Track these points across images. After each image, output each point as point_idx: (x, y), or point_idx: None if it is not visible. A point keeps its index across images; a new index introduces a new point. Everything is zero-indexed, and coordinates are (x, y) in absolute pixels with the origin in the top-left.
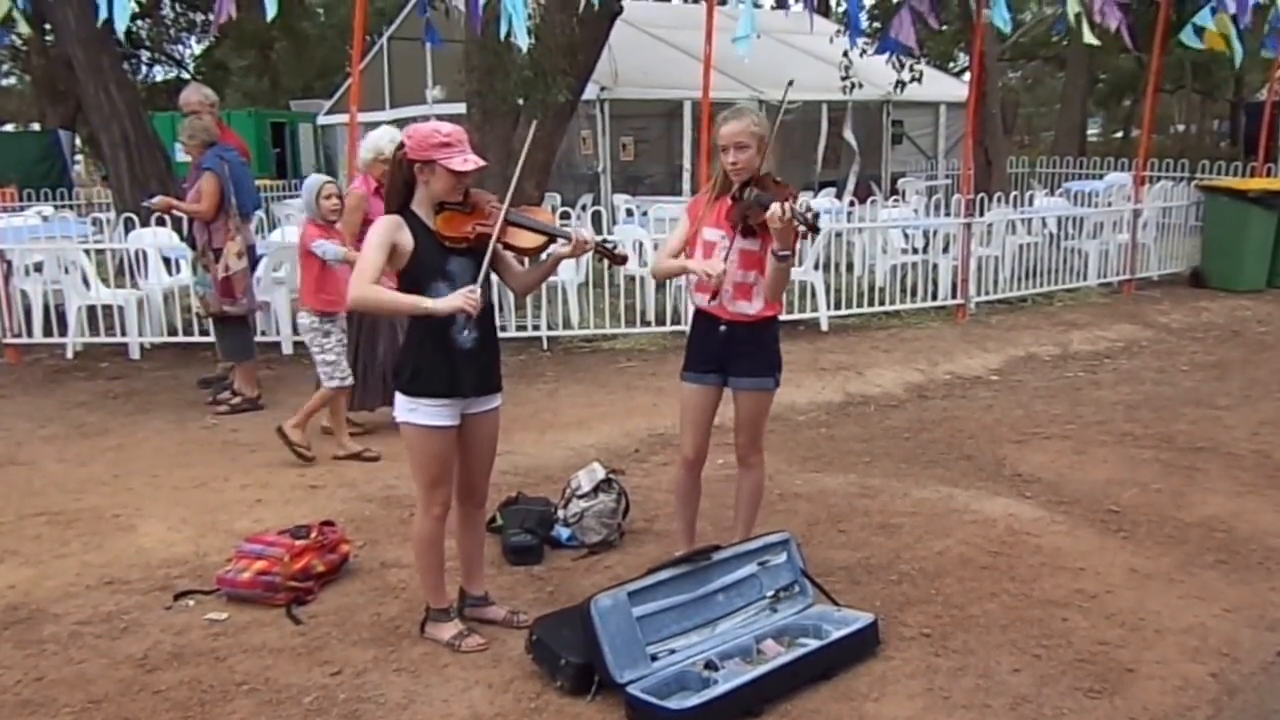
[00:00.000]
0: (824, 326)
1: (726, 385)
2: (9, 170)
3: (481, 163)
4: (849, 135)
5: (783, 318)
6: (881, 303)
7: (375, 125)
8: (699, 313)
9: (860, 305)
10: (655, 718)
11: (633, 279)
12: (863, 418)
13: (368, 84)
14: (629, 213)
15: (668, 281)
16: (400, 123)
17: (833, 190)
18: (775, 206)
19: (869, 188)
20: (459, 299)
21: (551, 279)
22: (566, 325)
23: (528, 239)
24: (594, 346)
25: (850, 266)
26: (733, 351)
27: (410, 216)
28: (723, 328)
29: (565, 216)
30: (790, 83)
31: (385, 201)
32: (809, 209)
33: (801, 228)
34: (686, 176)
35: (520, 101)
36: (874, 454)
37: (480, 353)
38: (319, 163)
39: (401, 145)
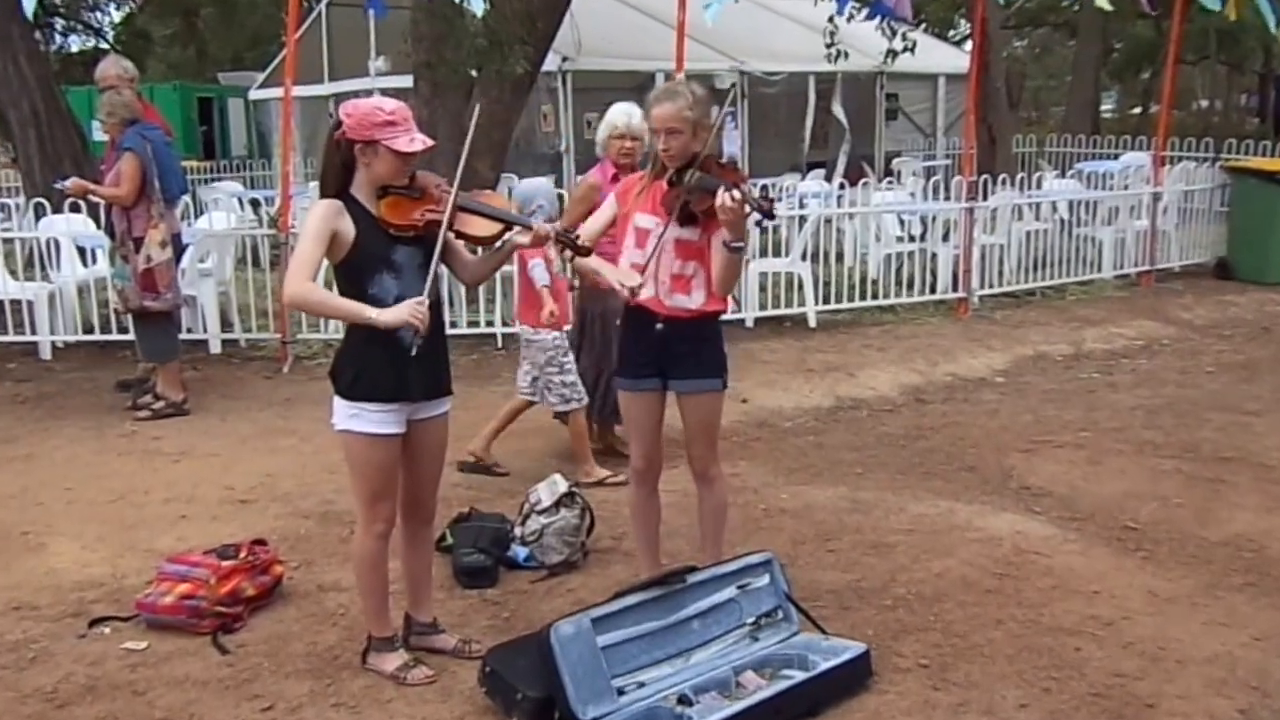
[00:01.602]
0: (812, 323)
1: (668, 389)
2: None
3: (429, 142)
4: (838, 111)
5: (767, 313)
6: (875, 296)
7: (313, 100)
8: (631, 309)
9: (852, 299)
10: None
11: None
12: (855, 424)
13: (304, 54)
14: None
15: None
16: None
17: (822, 172)
18: (722, 193)
19: (861, 169)
20: (406, 311)
21: (506, 268)
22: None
23: (481, 226)
24: None
25: (841, 256)
26: (672, 351)
27: (350, 202)
28: (660, 325)
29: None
30: (730, 91)
31: (321, 185)
32: (766, 196)
33: (755, 214)
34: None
35: (473, 74)
36: (867, 464)
37: (429, 352)
38: (251, 142)
39: (339, 124)
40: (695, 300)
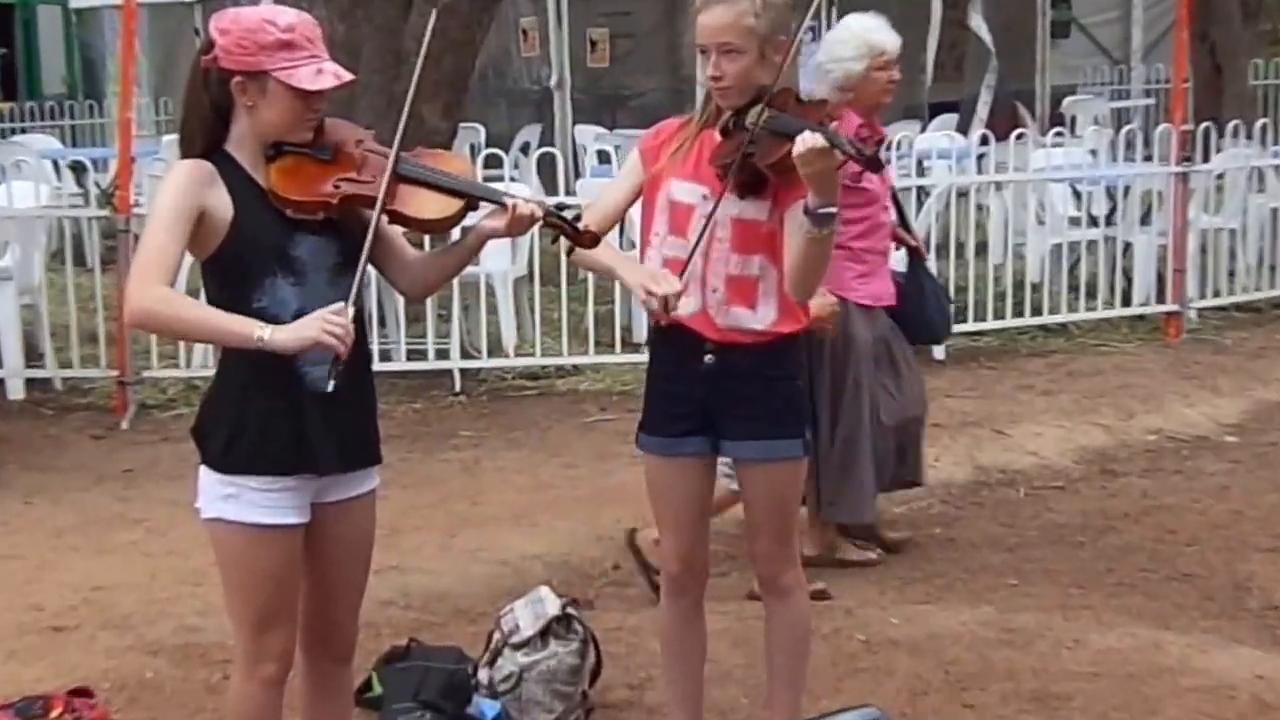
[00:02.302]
0: (938, 353)
1: (719, 453)
2: None
3: (347, 76)
4: (978, 24)
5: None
6: (1037, 311)
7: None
8: (662, 331)
9: (1000, 315)
10: None
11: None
12: (1006, 509)
13: None
14: (602, 156)
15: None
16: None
17: (952, 119)
18: (807, 134)
19: (1014, 113)
20: (315, 327)
21: (470, 270)
22: (495, 350)
23: (431, 204)
24: (541, 385)
25: (983, 249)
26: (727, 395)
27: (226, 165)
28: (708, 356)
29: (496, 172)
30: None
31: (182, 139)
32: (865, 136)
33: (853, 160)
34: (699, 96)
35: None
36: (1025, 572)
37: (346, 399)
38: (72, 75)
39: (209, 46)
40: (764, 317)
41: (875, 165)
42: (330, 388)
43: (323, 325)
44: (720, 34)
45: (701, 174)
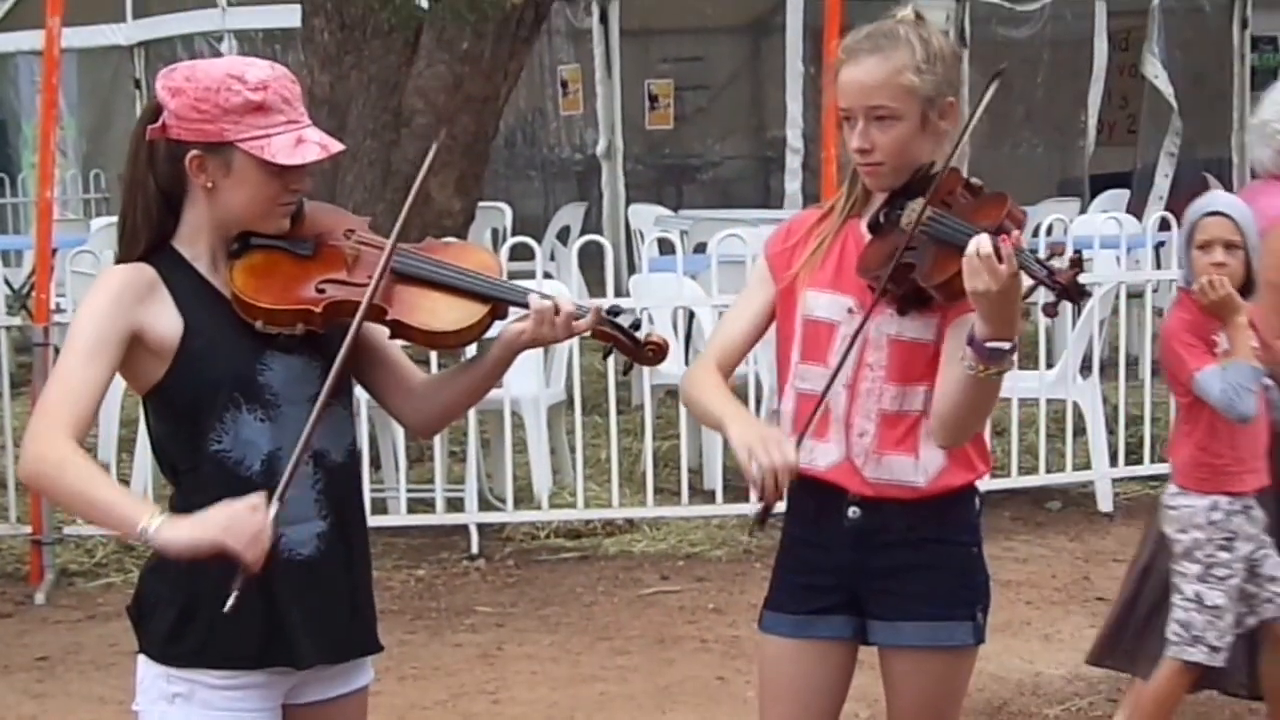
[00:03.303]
0: (1104, 503)
1: (865, 641)
2: None
3: (336, 146)
4: (1156, 74)
5: (1010, 484)
6: None
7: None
8: (798, 485)
9: None
10: None
11: (673, 394)
12: (1196, 713)
13: None
14: (664, 245)
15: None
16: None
17: (1123, 196)
18: (981, 240)
19: (1204, 188)
20: (217, 527)
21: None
22: (524, 500)
23: (443, 310)
24: (584, 546)
25: (1161, 367)
26: (877, 565)
27: (172, 267)
28: (854, 510)
29: (525, 265)
30: (998, 75)
31: (121, 231)
32: (1058, 249)
33: (1044, 286)
34: (793, 165)
35: (423, 4)
36: None
37: (330, 567)
38: None
39: (156, 111)
40: (929, 466)
41: (1075, 294)
42: (309, 548)
43: (227, 526)
44: (871, 94)
45: (845, 282)
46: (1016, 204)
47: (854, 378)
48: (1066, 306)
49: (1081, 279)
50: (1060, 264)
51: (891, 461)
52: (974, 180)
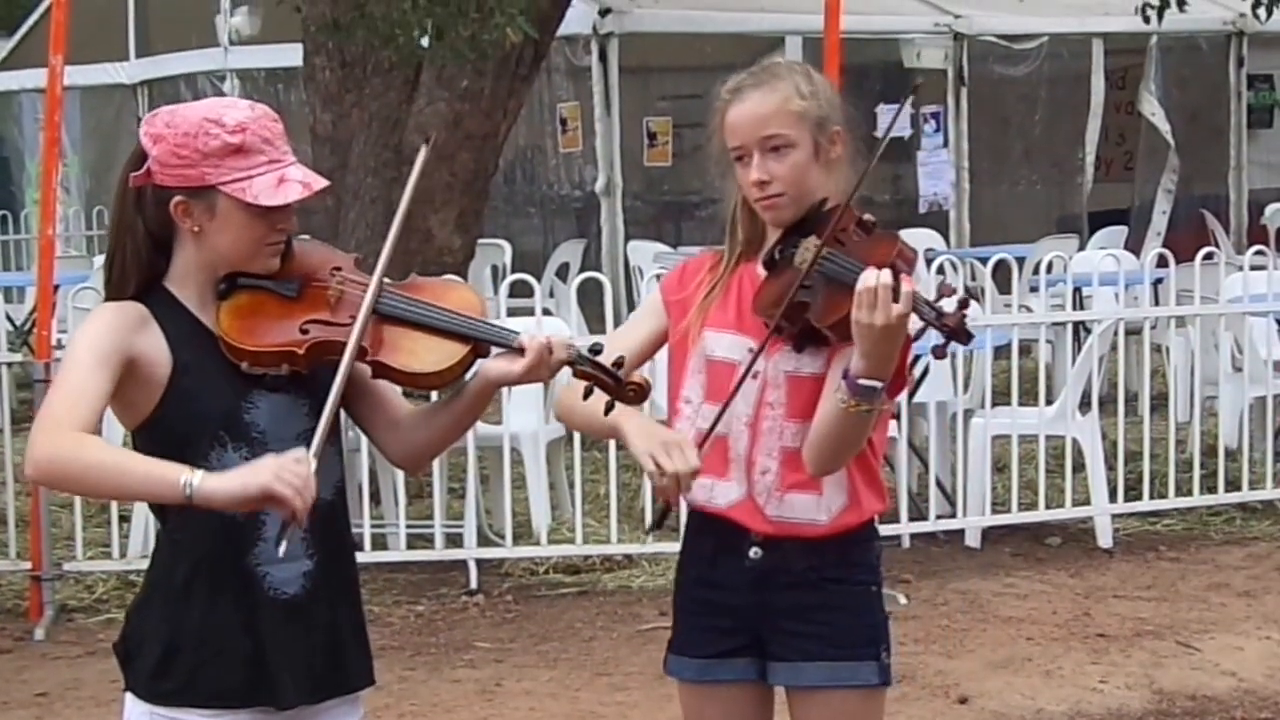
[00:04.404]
0: (1104, 540)
1: (769, 679)
2: None
3: (320, 183)
4: (1153, 111)
5: (1009, 519)
6: (1233, 485)
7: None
8: (697, 523)
9: (1185, 491)
10: None
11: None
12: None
13: (90, 11)
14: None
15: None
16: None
17: (1120, 233)
18: (869, 274)
19: (1201, 226)
20: (266, 474)
21: (490, 431)
22: (523, 536)
23: (425, 351)
24: (583, 582)
25: (1159, 403)
26: (778, 606)
27: (163, 305)
28: (755, 551)
29: (525, 302)
30: (910, 94)
31: (108, 272)
32: (946, 291)
33: (932, 328)
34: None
35: (423, 43)
36: None
37: (319, 602)
38: None
39: (143, 159)
40: (830, 504)
41: (963, 336)
42: (297, 584)
43: (277, 472)
44: (764, 124)
45: (746, 323)
46: (907, 243)
47: (755, 416)
48: (960, 348)
49: (1069, 318)
50: (949, 306)
51: (794, 500)
52: (867, 217)
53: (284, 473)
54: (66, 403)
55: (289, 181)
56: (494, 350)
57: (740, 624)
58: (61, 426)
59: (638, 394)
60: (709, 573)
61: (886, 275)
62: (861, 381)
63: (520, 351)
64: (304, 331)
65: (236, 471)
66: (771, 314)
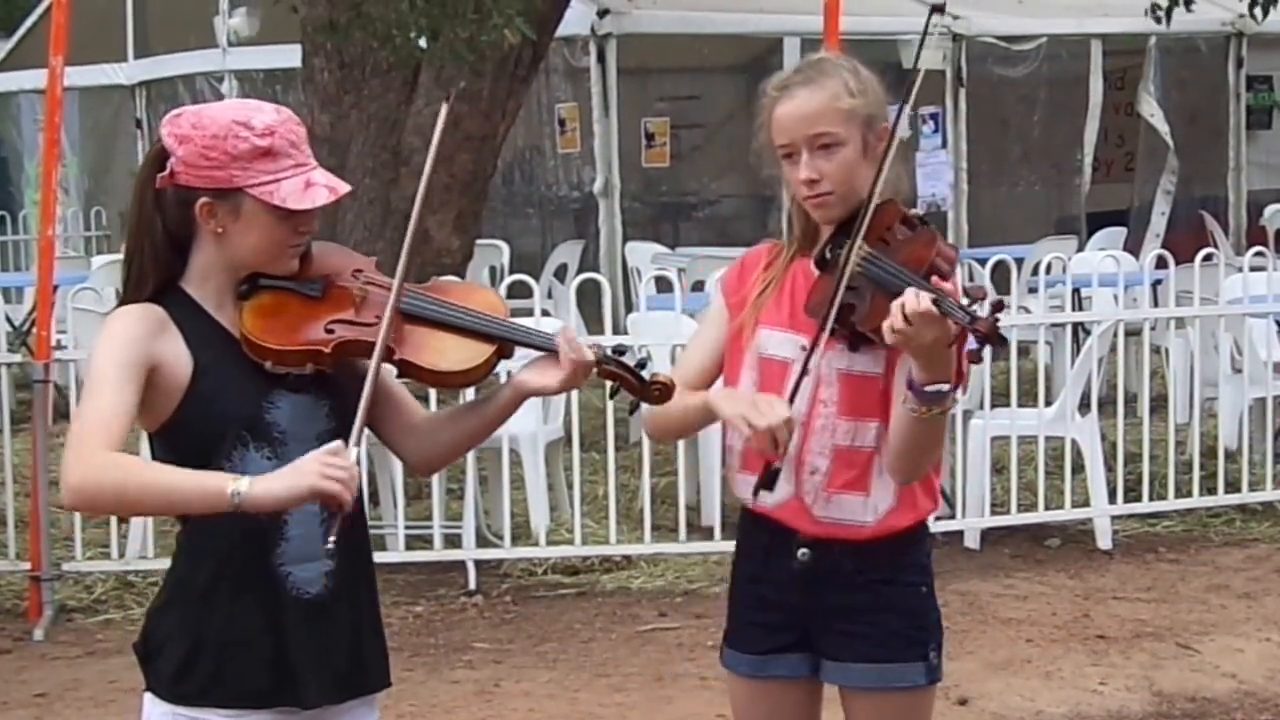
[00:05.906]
0: (1103, 540)
1: (822, 677)
2: None
3: (344, 188)
4: (1152, 112)
5: (1008, 520)
6: (1232, 487)
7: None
8: (750, 520)
9: (1184, 492)
10: None
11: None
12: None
13: (89, 13)
14: (662, 283)
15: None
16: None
17: (1119, 234)
18: (909, 297)
19: (1200, 227)
20: (312, 473)
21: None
22: (522, 537)
23: (450, 351)
24: (582, 582)
25: (1159, 404)
26: (827, 606)
27: (180, 307)
28: (803, 552)
29: (523, 303)
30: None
31: (127, 273)
32: (979, 294)
33: (969, 330)
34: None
35: (421, 44)
36: None
37: (340, 602)
38: None
39: (162, 157)
40: (877, 505)
41: (996, 340)
42: (318, 585)
43: (321, 469)
44: (812, 123)
45: (799, 321)
46: (946, 242)
47: (808, 414)
48: (993, 351)
49: (1068, 319)
50: (982, 310)
51: (841, 500)
52: (912, 211)
53: (328, 469)
54: (96, 422)
55: (315, 186)
56: (520, 354)
57: (791, 620)
58: (95, 449)
59: (663, 393)
60: (761, 570)
61: (926, 300)
62: (927, 389)
63: (547, 352)
64: (329, 331)
65: (279, 474)
66: (821, 314)
